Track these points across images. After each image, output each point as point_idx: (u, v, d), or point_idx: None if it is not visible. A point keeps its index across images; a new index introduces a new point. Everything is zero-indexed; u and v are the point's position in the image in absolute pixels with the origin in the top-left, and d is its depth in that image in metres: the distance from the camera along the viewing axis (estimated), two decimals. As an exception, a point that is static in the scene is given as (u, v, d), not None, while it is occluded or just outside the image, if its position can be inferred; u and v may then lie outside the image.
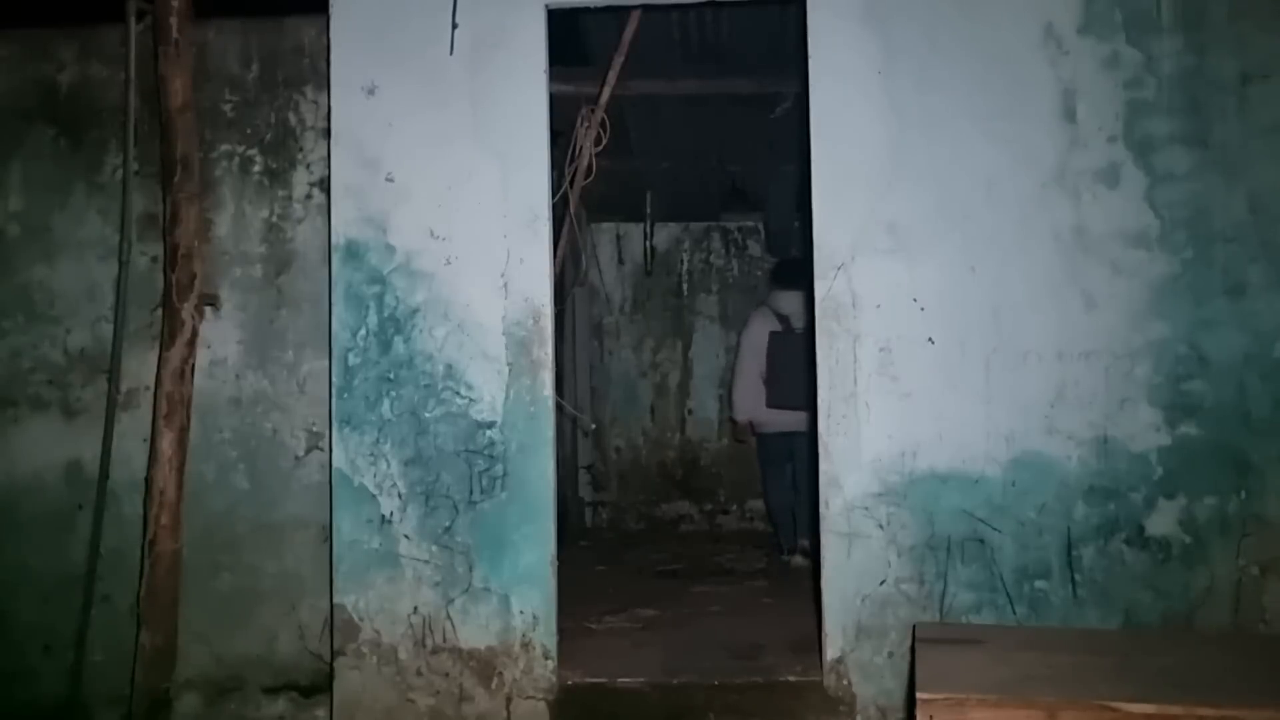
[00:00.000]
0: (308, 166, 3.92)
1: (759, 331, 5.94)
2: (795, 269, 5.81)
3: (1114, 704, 2.14)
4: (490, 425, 3.60)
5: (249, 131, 3.95)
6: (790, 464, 5.96)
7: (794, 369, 5.28)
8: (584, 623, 4.47)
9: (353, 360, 3.64)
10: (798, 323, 5.71)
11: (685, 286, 8.31)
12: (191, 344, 3.81)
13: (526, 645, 3.57)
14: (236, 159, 3.95)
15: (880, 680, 3.45)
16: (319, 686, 3.79)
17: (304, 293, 3.90)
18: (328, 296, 3.71)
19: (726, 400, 7.01)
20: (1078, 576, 3.41)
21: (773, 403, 5.84)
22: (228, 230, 3.94)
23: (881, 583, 3.46)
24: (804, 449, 5.48)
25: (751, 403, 5.99)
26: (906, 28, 3.49)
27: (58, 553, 3.90)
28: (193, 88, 3.83)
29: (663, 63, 4.89)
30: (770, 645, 4.10)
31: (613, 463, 8.20)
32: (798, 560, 5.83)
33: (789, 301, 5.87)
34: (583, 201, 5.24)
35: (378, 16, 3.66)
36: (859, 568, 3.46)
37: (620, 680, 3.67)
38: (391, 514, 3.61)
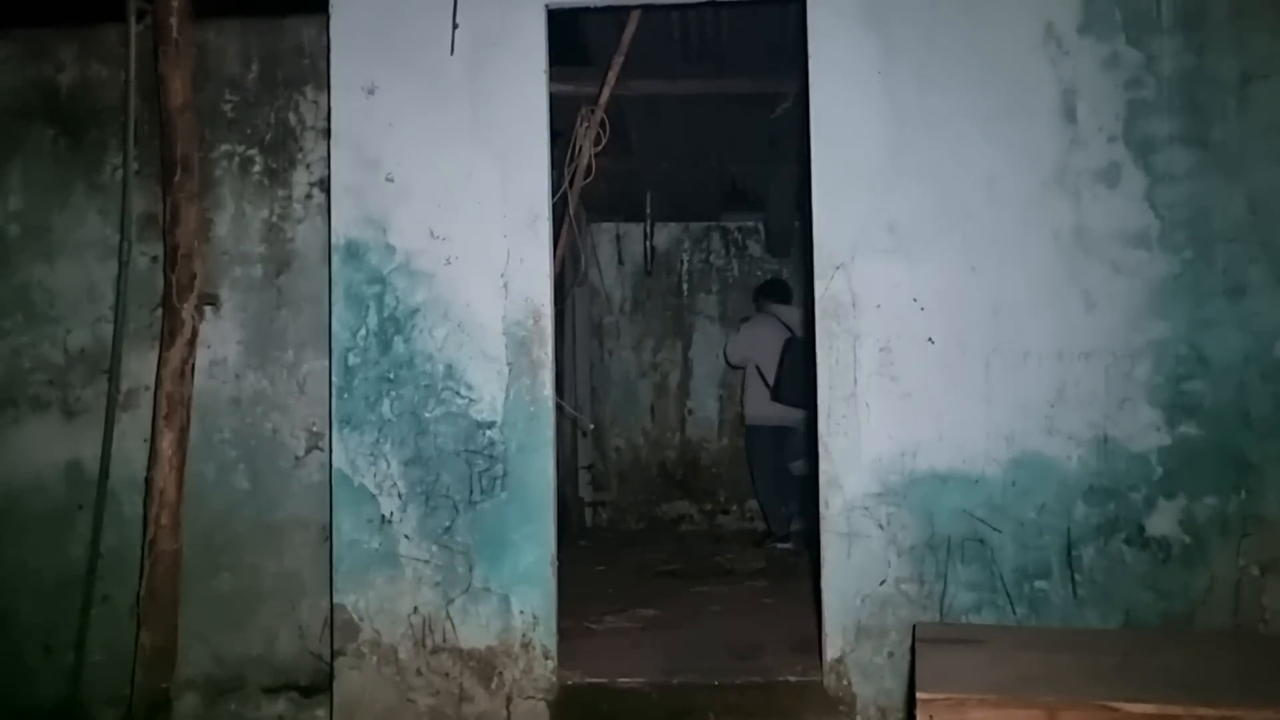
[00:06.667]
0: (308, 166, 3.92)
1: (775, 335, 6.45)
2: (783, 288, 6.83)
3: (1114, 704, 2.14)
4: (490, 425, 3.60)
5: (249, 131, 3.94)
6: (780, 455, 6.57)
7: (795, 370, 5.86)
8: (584, 623, 4.47)
9: (353, 360, 3.64)
10: (800, 332, 6.23)
11: (685, 286, 8.31)
12: (191, 344, 3.81)
13: (526, 645, 3.57)
14: (236, 159, 3.95)
15: (880, 680, 3.45)
16: (319, 686, 3.79)
17: (304, 293, 3.90)
18: (328, 296, 3.71)
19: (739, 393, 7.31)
20: (1078, 576, 3.41)
21: (776, 398, 6.39)
22: (228, 230, 3.94)
23: (881, 583, 3.46)
24: (794, 443, 6.44)
25: (754, 398, 6.57)
26: (906, 28, 3.49)
27: (58, 553, 3.90)
28: (193, 88, 3.83)
29: (663, 63, 4.89)
30: (770, 645, 4.10)
31: (613, 463, 8.20)
32: (783, 546, 6.39)
33: (787, 314, 6.54)
34: (583, 201, 5.25)
35: (378, 16, 3.66)
36: (859, 568, 3.46)
37: (620, 680, 3.67)
38: (391, 514, 3.61)
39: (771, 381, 6.40)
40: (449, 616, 3.59)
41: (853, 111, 3.50)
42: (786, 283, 7.03)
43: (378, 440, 3.62)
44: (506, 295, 3.61)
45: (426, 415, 3.61)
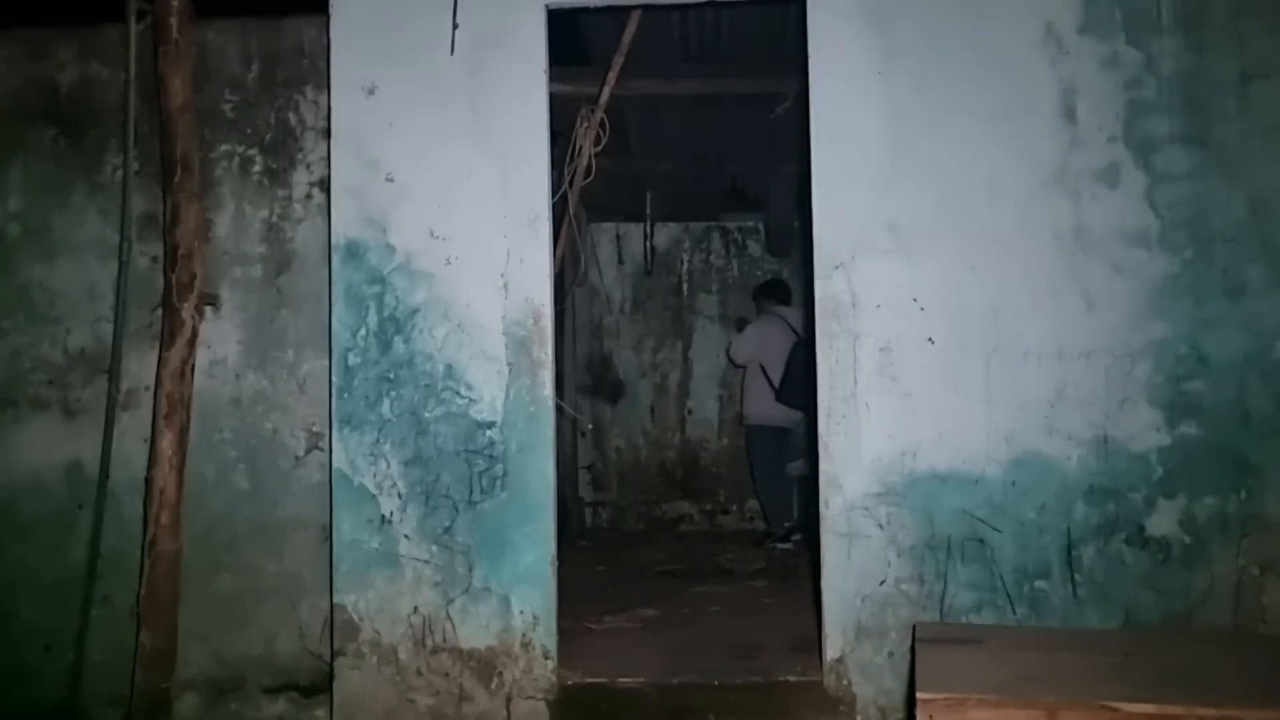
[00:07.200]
0: (308, 166, 3.92)
1: (782, 336, 6.52)
2: (784, 288, 6.89)
3: (1114, 704, 2.14)
4: (490, 425, 3.60)
5: (249, 131, 3.94)
6: (780, 456, 6.63)
7: (798, 372, 5.94)
8: (584, 623, 4.47)
9: (353, 360, 3.64)
10: (803, 334, 6.23)
11: (685, 286, 8.31)
12: (191, 344, 3.81)
13: (526, 645, 3.57)
14: (236, 159, 3.95)
15: (880, 680, 3.45)
16: (319, 686, 3.78)
17: (304, 293, 3.90)
18: (328, 296, 3.71)
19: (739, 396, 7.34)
20: (1078, 576, 3.41)
21: (780, 400, 6.45)
22: (228, 230, 3.94)
23: (881, 583, 3.46)
24: (793, 444, 6.52)
25: (757, 398, 6.60)
26: (906, 28, 3.49)
27: (58, 553, 3.90)
28: (193, 88, 3.83)
29: (663, 63, 4.89)
30: (770, 645, 4.10)
31: (613, 463, 8.20)
32: (783, 546, 6.43)
33: (792, 316, 6.59)
34: (583, 201, 5.25)
35: (378, 16, 3.66)
36: (859, 568, 3.46)
37: (620, 680, 3.67)
38: (391, 514, 3.61)
39: (777, 383, 6.42)
40: (449, 616, 3.59)
41: (853, 112, 3.50)
42: (786, 283, 7.05)
43: (378, 440, 3.62)
44: (506, 295, 3.61)
45: (426, 415, 3.61)
